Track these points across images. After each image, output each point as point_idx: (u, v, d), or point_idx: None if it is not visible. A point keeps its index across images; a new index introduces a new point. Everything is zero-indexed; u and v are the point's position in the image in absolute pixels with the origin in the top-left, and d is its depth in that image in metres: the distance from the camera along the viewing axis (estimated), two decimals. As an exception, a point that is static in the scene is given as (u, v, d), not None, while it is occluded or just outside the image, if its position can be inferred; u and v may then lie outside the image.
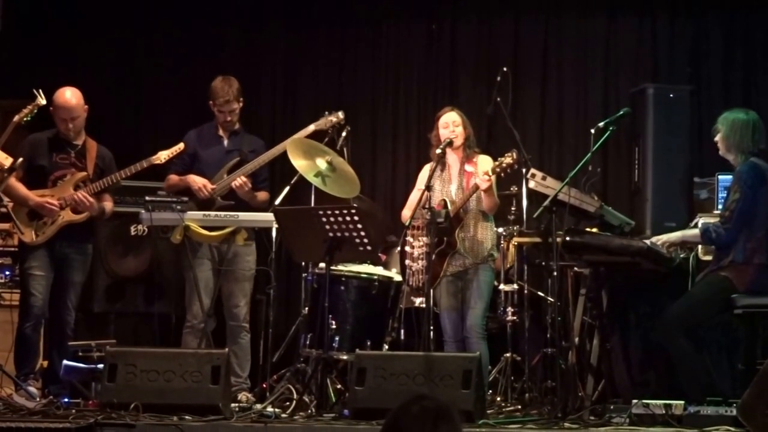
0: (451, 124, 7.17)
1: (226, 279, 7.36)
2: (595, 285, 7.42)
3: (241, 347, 7.33)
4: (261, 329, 7.53)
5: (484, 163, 7.08)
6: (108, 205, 7.30)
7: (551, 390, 7.09)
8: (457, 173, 7.19)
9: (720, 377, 6.69)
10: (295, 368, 7.21)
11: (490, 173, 6.92)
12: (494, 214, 7.24)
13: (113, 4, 9.18)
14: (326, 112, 7.58)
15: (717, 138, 6.63)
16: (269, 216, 7.11)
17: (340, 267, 7.19)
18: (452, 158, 7.23)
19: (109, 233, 8.17)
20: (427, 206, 6.85)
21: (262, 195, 7.49)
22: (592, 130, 6.97)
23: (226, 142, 7.54)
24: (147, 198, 7.36)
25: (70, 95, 7.17)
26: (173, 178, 7.49)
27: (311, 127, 7.51)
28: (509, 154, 6.93)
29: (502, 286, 7.69)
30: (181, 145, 7.36)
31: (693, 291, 6.61)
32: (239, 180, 7.32)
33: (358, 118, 8.72)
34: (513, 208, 7.87)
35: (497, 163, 6.95)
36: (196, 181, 7.38)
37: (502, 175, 6.99)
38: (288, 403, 6.70)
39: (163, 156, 7.30)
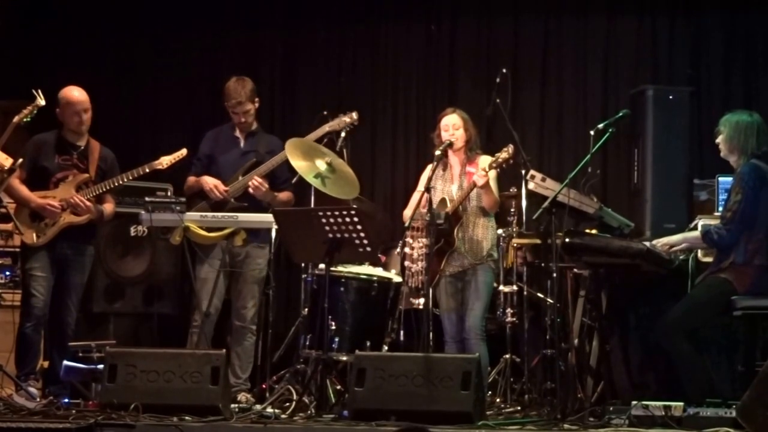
0: (450, 127, 7.17)
1: (236, 280, 7.36)
2: (595, 286, 7.43)
3: (245, 349, 7.33)
4: (261, 330, 7.53)
5: (485, 163, 7.08)
6: (108, 207, 7.30)
7: (551, 391, 7.08)
8: (458, 174, 7.20)
9: (719, 379, 6.70)
10: (295, 369, 7.21)
11: (487, 169, 6.93)
12: (495, 213, 7.24)
13: (113, 4, 9.18)
14: (340, 114, 7.53)
15: (719, 140, 6.62)
16: (269, 217, 7.11)
17: (339, 268, 7.20)
18: (454, 159, 7.24)
19: (109, 234, 8.18)
20: (426, 208, 6.85)
21: (284, 195, 7.44)
22: (592, 132, 6.95)
23: (242, 143, 7.51)
24: (147, 199, 7.37)
25: (77, 90, 7.20)
26: (191, 179, 7.48)
27: (326, 128, 7.48)
28: (505, 149, 6.95)
29: (501, 287, 7.70)
30: (183, 151, 7.34)
31: (693, 293, 6.61)
32: (255, 181, 7.30)
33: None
34: (512, 209, 7.87)
35: (494, 158, 6.97)
36: (208, 182, 7.36)
37: (498, 170, 6.99)
38: (288, 404, 6.71)
39: (165, 161, 7.28)
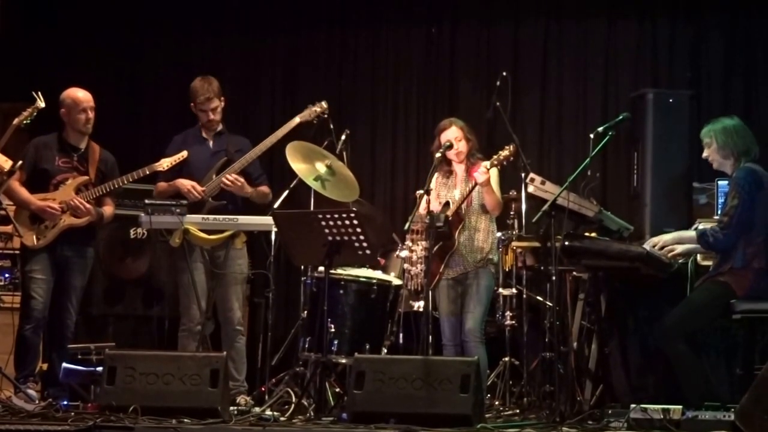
0: (453, 141, 7.12)
1: (218, 283, 7.34)
2: (594, 290, 7.43)
3: (237, 351, 7.32)
4: (260, 332, 7.53)
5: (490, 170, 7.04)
6: (108, 209, 7.32)
7: (550, 394, 7.10)
8: (461, 180, 7.18)
9: (718, 382, 6.70)
10: (294, 371, 7.23)
11: (488, 167, 6.91)
12: (497, 214, 7.23)
13: (113, 7, 9.20)
14: (309, 105, 7.55)
15: (708, 152, 6.62)
16: (268, 219, 7.11)
17: (339, 270, 7.19)
18: (458, 167, 7.20)
19: (109, 236, 8.18)
20: (426, 210, 6.85)
21: (264, 188, 7.46)
22: (591, 135, 6.96)
23: (211, 143, 7.50)
24: (146, 201, 7.34)
25: (81, 90, 7.24)
26: (162, 185, 7.45)
27: (296, 120, 7.50)
28: (507, 147, 6.95)
29: (501, 290, 7.70)
30: (184, 153, 7.33)
31: (692, 296, 6.61)
32: (231, 177, 7.28)
33: (357, 122, 8.74)
34: (512, 212, 7.88)
35: (495, 156, 6.95)
36: (184, 183, 7.34)
37: (499, 168, 6.98)
38: (287, 407, 6.74)
39: (165, 163, 7.29)
